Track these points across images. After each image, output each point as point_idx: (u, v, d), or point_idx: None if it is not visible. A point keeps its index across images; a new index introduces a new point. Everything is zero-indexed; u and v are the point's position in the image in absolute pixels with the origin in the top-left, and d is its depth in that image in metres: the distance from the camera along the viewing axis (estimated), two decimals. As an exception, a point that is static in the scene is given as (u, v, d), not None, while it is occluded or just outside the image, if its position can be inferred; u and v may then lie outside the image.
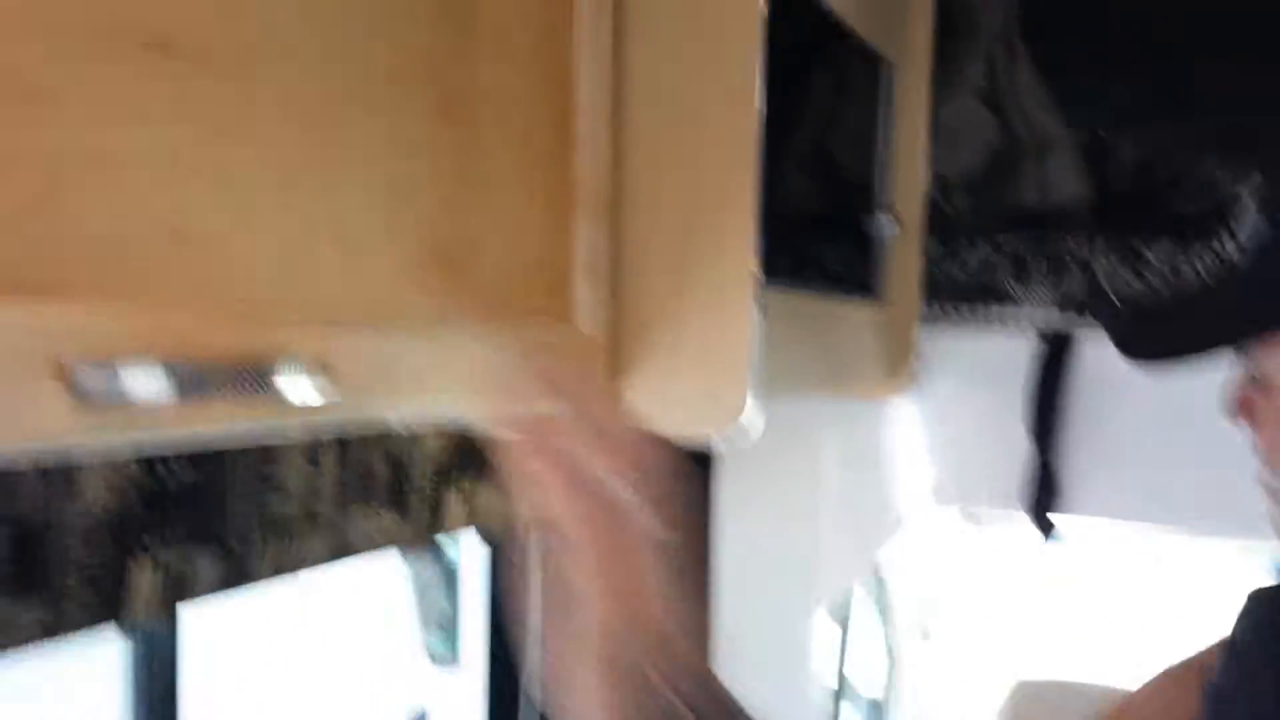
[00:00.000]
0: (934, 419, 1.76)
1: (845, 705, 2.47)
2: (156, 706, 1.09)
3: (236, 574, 1.04)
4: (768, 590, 1.90)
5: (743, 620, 1.93)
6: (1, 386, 0.52)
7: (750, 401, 1.03)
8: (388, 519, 1.25)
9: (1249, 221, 0.92)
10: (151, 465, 0.96)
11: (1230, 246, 1.24)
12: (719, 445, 1.86)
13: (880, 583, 2.82)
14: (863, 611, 2.71)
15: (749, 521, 1.92)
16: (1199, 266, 1.41)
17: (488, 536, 1.74)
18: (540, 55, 0.96)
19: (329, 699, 2.85)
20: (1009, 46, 1.82)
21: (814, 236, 1.47)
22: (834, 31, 1.41)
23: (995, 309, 1.69)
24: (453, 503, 1.37)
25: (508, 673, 1.74)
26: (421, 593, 3.32)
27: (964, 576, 2.65)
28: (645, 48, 1.05)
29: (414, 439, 1.30)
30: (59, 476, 0.88)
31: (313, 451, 1.14)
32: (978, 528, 2.71)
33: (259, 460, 1.07)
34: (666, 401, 1.05)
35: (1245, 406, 0.84)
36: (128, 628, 1.04)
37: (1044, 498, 1.58)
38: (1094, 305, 0.96)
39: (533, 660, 1.64)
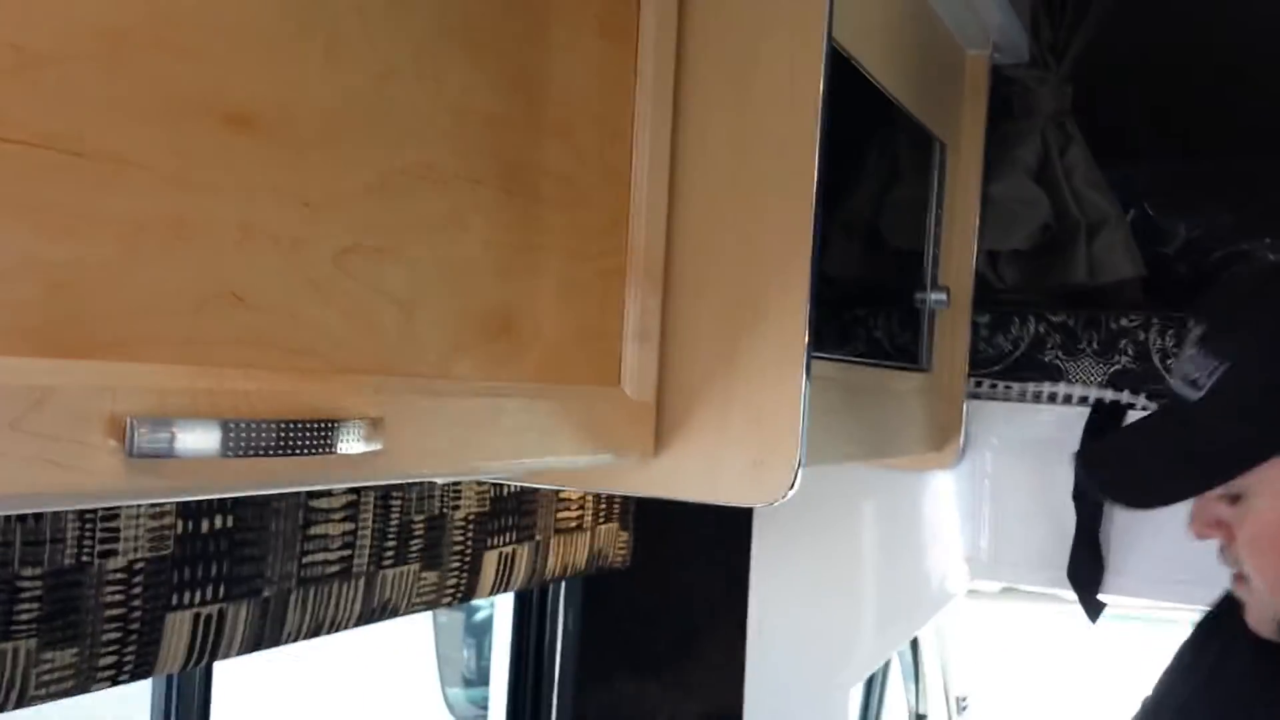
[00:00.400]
0: (978, 492, 1.74)
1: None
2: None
3: (272, 629, 1.03)
4: (801, 660, 1.87)
5: (773, 691, 1.90)
6: (60, 443, 0.52)
7: (797, 472, 1.02)
8: (425, 577, 1.24)
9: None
10: (192, 517, 0.96)
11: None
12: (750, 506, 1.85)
13: (915, 651, 2.78)
14: (896, 680, 2.67)
15: (783, 589, 1.89)
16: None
17: (519, 593, 1.73)
18: (599, 131, 0.97)
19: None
20: (1061, 126, 1.82)
21: (862, 307, 1.46)
22: (889, 111, 1.42)
23: (1045, 385, 1.67)
24: (489, 561, 1.36)
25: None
26: (446, 647, 3.30)
27: (1001, 649, 2.61)
28: (702, 122, 1.05)
29: (454, 497, 1.29)
30: (97, 525, 0.88)
31: (352, 508, 1.13)
32: (1017, 602, 2.67)
33: (299, 515, 1.07)
34: (712, 469, 1.04)
35: (1216, 524, 0.89)
36: (162, 679, 1.03)
37: (1092, 576, 1.55)
38: (1089, 459, 0.94)
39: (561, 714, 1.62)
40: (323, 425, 0.63)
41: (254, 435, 0.59)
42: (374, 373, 0.71)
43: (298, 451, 0.61)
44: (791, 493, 1.03)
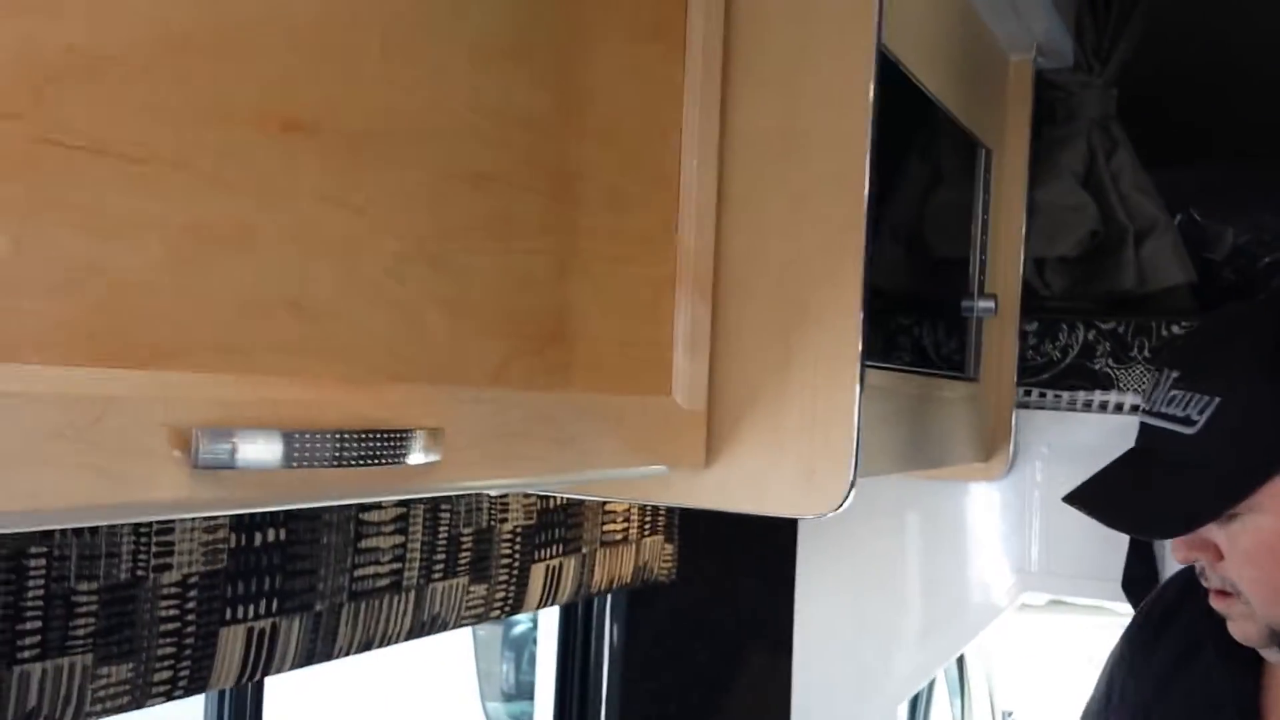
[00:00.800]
0: (1028, 503, 1.71)
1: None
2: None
3: (324, 644, 1.02)
4: (847, 675, 1.85)
5: (820, 707, 1.88)
6: (123, 454, 0.51)
7: (852, 483, 1.00)
8: (474, 590, 1.23)
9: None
10: (245, 530, 0.96)
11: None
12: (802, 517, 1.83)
13: (960, 665, 2.74)
14: (941, 694, 2.63)
15: (829, 603, 1.87)
16: None
17: (565, 607, 1.72)
18: (646, 135, 0.96)
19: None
20: (1107, 131, 1.79)
21: (908, 316, 1.44)
22: (934, 116, 1.40)
23: (1096, 394, 1.65)
24: (536, 574, 1.35)
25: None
26: (485, 661, 3.30)
27: (1048, 662, 2.57)
28: (750, 127, 1.04)
29: (501, 510, 1.29)
30: (153, 539, 0.88)
31: (401, 521, 1.13)
32: (1064, 615, 2.63)
33: (351, 528, 1.06)
34: (765, 479, 1.03)
35: (1203, 545, 0.95)
36: (215, 694, 1.03)
37: (1146, 588, 1.52)
38: (1098, 502, 0.99)
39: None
40: (387, 436, 0.62)
41: (316, 446, 0.58)
42: (428, 382, 0.71)
43: (359, 463, 0.60)
44: (846, 504, 1.01)
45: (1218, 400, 0.91)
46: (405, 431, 0.64)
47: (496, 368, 0.78)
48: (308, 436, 0.57)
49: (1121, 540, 1.53)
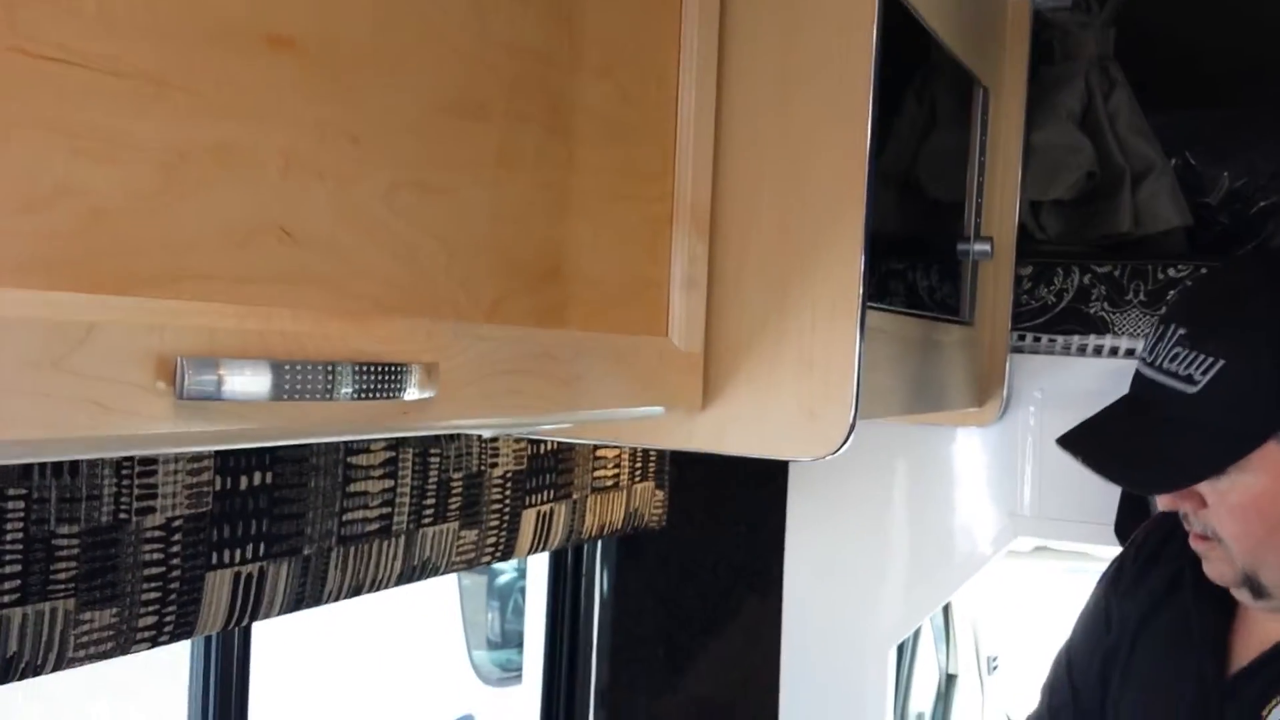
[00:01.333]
0: (1021, 448, 1.70)
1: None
2: (226, 717, 1.06)
3: (313, 588, 1.00)
4: (838, 621, 1.84)
5: (811, 651, 1.88)
6: (107, 382, 0.48)
7: (852, 424, 0.98)
8: (465, 535, 1.21)
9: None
10: (230, 473, 0.93)
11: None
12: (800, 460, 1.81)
13: (946, 612, 2.75)
14: (927, 640, 2.64)
15: (820, 549, 1.87)
16: None
17: (555, 554, 1.71)
18: (643, 69, 0.93)
19: (377, 706, 2.83)
20: (1105, 71, 1.76)
21: (903, 259, 1.42)
22: (933, 52, 1.37)
23: (1091, 338, 1.63)
24: (527, 519, 1.33)
25: (565, 687, 1.70)
26: (471, 610, 3.30)
27: (1033, 608, 2.58)
28: (750, 62, 1.01)
29: (491, 454, 1.26)
30: (135, 481, 0.85)
31: (391, 465, 1.10)
32: (1049, 560, 2.64)
33: (339, 472, 1.04)
34: (761, 421, 1.01)
35: (1188, 495, 0.97)
36: (202, 639, 1.01)
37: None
38: (1086, 452, 1.00)
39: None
40: (382, 370, 0.60)
41: (307, 378, 0.55)
42: (424, 316, 0.68)
43: (352, 397, 0.58)
44: (846, 446, 1.00)
45: (1222, 363, 0.92)
46: (401, 365, 0.61)
47: (492, 304, 0.76)
48: (298, 368, 0.55)
49: (1113, 489, 1.51)
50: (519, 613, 3.44)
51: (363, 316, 0.63)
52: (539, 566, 1.76)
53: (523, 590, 3.32)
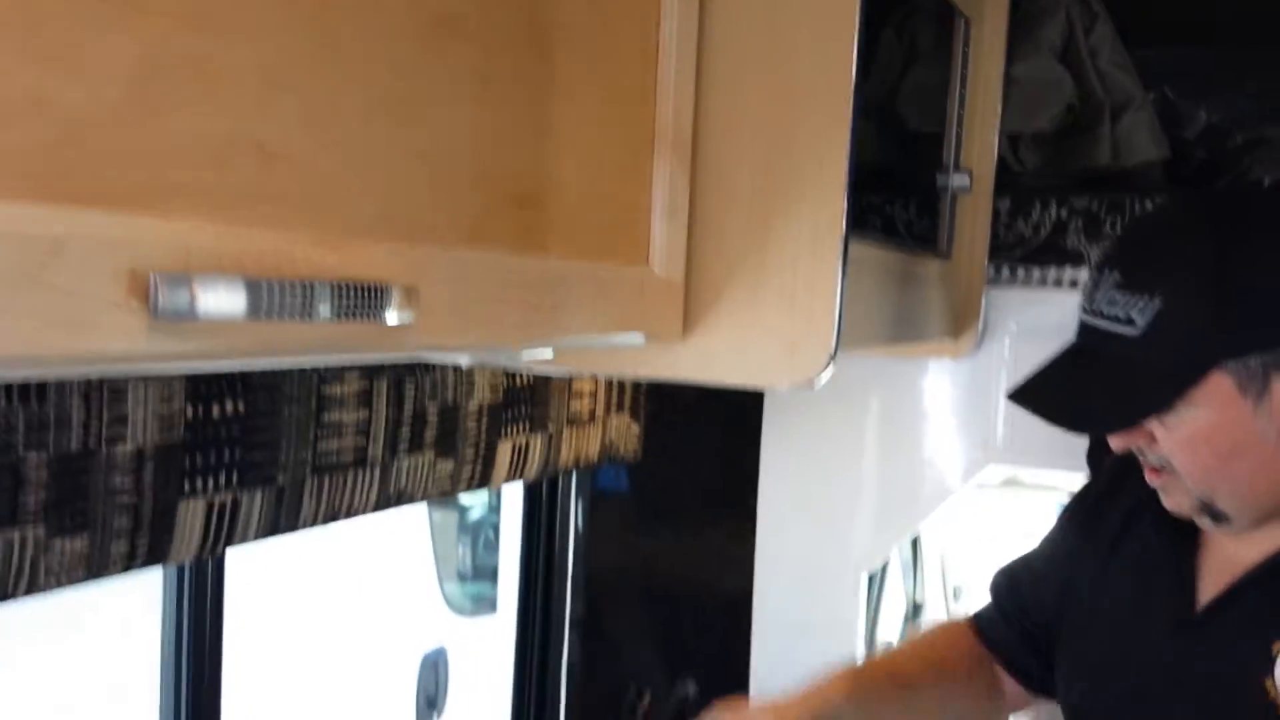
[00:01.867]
0: (995, 380, 1.71)
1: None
2: (200, 646, 1.05)
3: (288, 516, 0.99)
4: (812, 548, 1.86)
5: (784, 578, 1.89)
6: (76, 297, 0.47)
7: (833, 354, 0.98)
8: (441, 466, 1.20)
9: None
10: (202, 401, 0.91)
11: None
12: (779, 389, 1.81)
13: (914, 543, 2.78)
14: (895, 571, 2.67)
15: (794, 479, 1.87)
16: None
17: (529, 487, 1.70)
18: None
19: (348, 635, 2.85)
20: (1086, 4, 1.74)
21: (883, 191, 1.41)
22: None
23: (1067, 270, 1.63)
24: (503, 451, 1.32)
25: (540, 619, 1.70)
26: (442, 545, 3.31)
27: (999, 540, 2.61)
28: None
29: (467, 386, 1.25)
30: (104, 407, 0.84)
31: (365, 395, 1.09)
32: (1018, 492, 2.66)
33: (312, 401, 1.02)
34: (741, 349, 1.00)
35: (1138, 435, 0.99)
36: (175, 568, 1.00)
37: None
38: (1031, 399, 1.02)
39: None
40: (361, 290, 0.58)
41: (284, 297, 0.54)
42: (403, 239, 0.66)
43: (331, 317, 0.56)
44: (827, 375, 0.99)
45: (1159, 302, 0.94)
46: (380, 286, 0.60)
47: (471, 228, 0.74)
48: (275, 286, 0.53)
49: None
50: (490, 547, 3.46)
51: (341, 238, 0.61)
52: (514, 499, 1.76)
53: (495, 526, 3.33)
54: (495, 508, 3.27)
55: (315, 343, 0.59)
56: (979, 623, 1.33)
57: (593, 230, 0.89)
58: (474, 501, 3.42)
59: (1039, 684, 1.28)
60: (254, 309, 0.53)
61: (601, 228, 0.90)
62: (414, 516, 3.11)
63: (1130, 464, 1.12)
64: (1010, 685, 1.31)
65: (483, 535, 3.47)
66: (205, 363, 0.71)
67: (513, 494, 1.74)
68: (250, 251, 0.55)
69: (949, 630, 1.35)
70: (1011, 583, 1.31)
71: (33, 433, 0.78)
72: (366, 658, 2.92)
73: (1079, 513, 1.24)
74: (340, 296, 0.57)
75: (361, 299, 0.58)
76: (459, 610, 3.29)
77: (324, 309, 0.56)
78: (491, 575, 3.26)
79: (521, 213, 0.80)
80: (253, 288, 0.52)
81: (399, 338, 0.64)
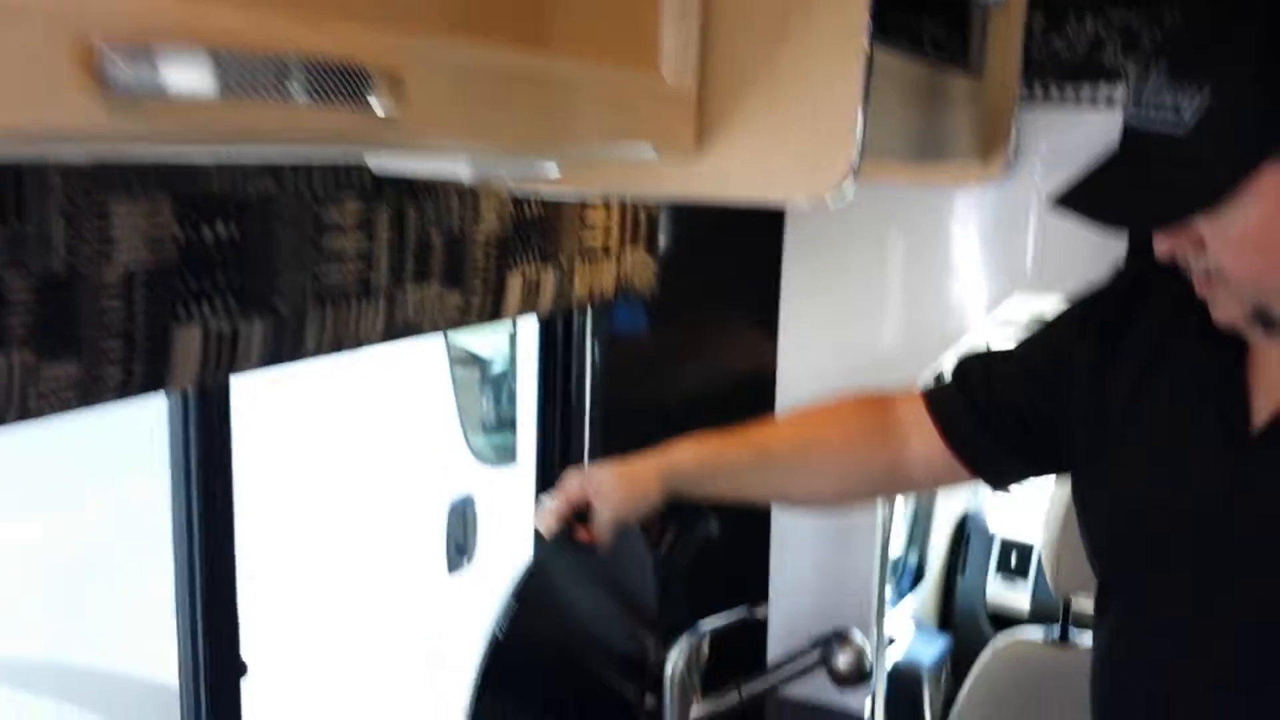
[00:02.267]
0: (1026, 205, 1.64)
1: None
2: (209, 474, 1.03)
3: (291, 344, 0.96)
4: (827, 381, 1.82)
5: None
6: (18, 70, 0.42)
7: (856, 166, 0.92)
8: (449, 297, 1.16)
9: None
10: (192, 223, 0.87)
11: None
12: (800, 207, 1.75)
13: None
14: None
15: (812, 315, 1.83)
16: None
17: (545, 321, 1.67)
18: None
19: (376, 485, 2.88)
20: None
21: (909, 3, 1.33)
22: None
23: (1102, 88, 1.55)
24: (513, 282, 1.29)
25: (558, 463, 1.69)
26: (464, 399, 3.32)
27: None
28: None
29: (473, 215, 1.20)
30: (89, 229, 0.80)
31: (365, 223, 1.05)
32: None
33: (308, 225, 0.98)
34: (759, 163, 0.95)
35: (1188, 238, 0.95)
36: (175, 393, 0.97)
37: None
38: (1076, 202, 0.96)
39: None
40: (339, 71, 0.53)
41: (254, 73, 0.49)
42: (390, 23, 0.61)
43: (308, 98, 0.51)
44: (849, 189, 0.94)
45: (1209, 92, 0.90)
46: (358, 68, 0.55)
47: (467, 16, 0.68)
48: (243, 59, 0.48)
49: (1119, 243, 1.47)
50: (513, 399, 3.47)
51: (314, 15, 0.55)
52: (529, 349, 1.74)
53: (516, 379, 3.33)
54: (515, 359, 3.27)
55: (295, 130, 0.54)
56: (930, 393, 1.27)
57: (596, 29, 0.83)
58: (494, 355, 3.41)
59: (983, 466, 1.24)
60: (221, 83, 0.48)
61: (606, 27, 0.84)
62: (436, 370, 3.12)
63: (1153, 279, 1.08)
64: (927, 465, 1.25)
65: (505, 388, 3.48)
66: (185, 148, 0.67)
67: (529, 344, 1.71)
68: (215, 26, 0.50)
69: (858, 402, 1.30)
70: (985, 369, 1.24)
71: (12, 248, 0.74)
72: (395, 506, 2.95)
73: (1088, 319, 1.18)
74: (315, 75, 0.52)
75: (340, 81, 0.53)
76: (484, 460, 3.32)
77: (298, 87, 0.51)
78: (514, 426, 3.27)
79: (520, 9, 0.74)
80: (218, 59, 0.48)
81: (388, 131, 0.59)
